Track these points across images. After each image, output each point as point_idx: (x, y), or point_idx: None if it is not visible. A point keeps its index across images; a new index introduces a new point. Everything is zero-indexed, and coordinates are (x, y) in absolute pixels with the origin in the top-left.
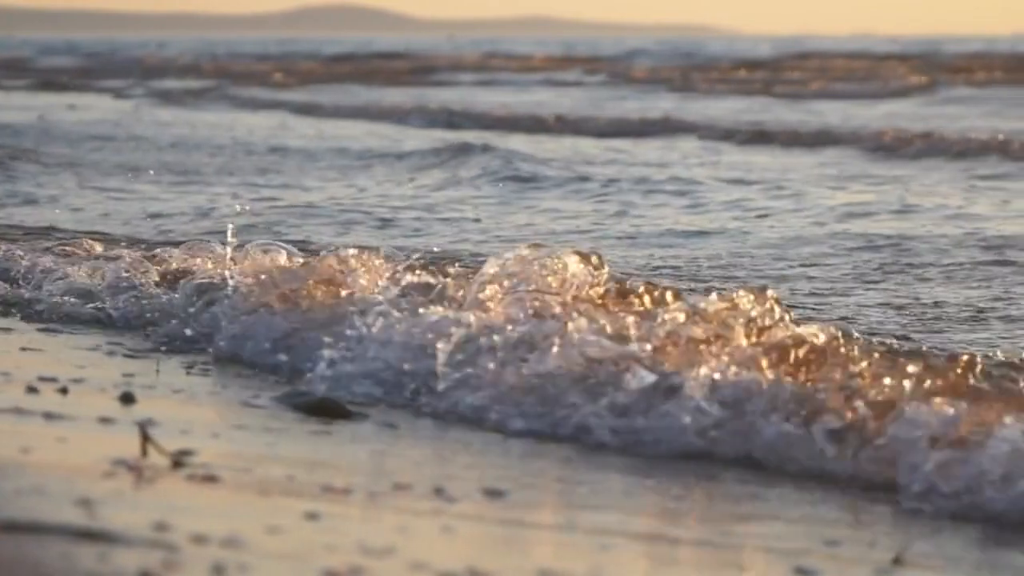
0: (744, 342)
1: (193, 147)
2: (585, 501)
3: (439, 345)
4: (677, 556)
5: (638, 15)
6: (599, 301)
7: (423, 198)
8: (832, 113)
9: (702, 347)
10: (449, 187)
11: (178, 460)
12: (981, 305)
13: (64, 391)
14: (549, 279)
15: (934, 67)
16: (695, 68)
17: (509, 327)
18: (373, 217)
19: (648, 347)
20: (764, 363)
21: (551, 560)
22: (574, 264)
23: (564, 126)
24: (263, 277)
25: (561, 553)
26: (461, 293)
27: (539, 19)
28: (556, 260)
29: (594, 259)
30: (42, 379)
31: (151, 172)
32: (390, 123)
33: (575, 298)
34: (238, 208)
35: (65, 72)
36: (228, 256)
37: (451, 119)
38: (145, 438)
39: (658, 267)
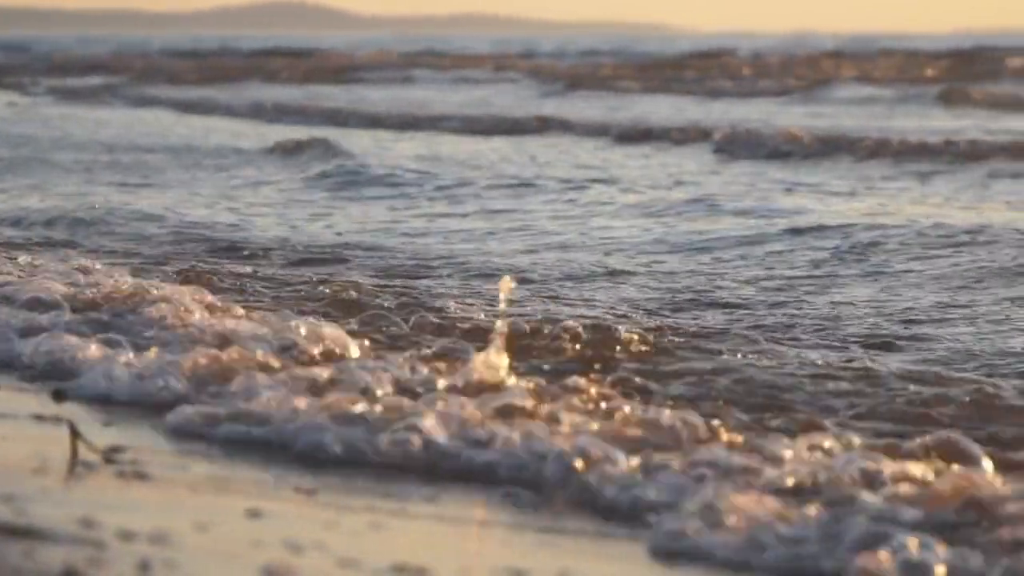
0: None
1: (50, 143)
2: None
3: None
4: None
5: (591, 13)
6: None
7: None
8: (694, 111)
9: None
10: (264, 185)
11: (108, 457)
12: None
13: None
14: None
15: (846, 64)
16: (611, 66)
17: None
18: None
19: None
20: None
21: None
22: None
23: (431, 123)
24: None
25: None
26: None
27: (487, 17)
28: None
29: None
30: None
31: None
32: (262, 121)
33: None
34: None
35: None
36: None
37: (311, 116)
38: (75, 435)
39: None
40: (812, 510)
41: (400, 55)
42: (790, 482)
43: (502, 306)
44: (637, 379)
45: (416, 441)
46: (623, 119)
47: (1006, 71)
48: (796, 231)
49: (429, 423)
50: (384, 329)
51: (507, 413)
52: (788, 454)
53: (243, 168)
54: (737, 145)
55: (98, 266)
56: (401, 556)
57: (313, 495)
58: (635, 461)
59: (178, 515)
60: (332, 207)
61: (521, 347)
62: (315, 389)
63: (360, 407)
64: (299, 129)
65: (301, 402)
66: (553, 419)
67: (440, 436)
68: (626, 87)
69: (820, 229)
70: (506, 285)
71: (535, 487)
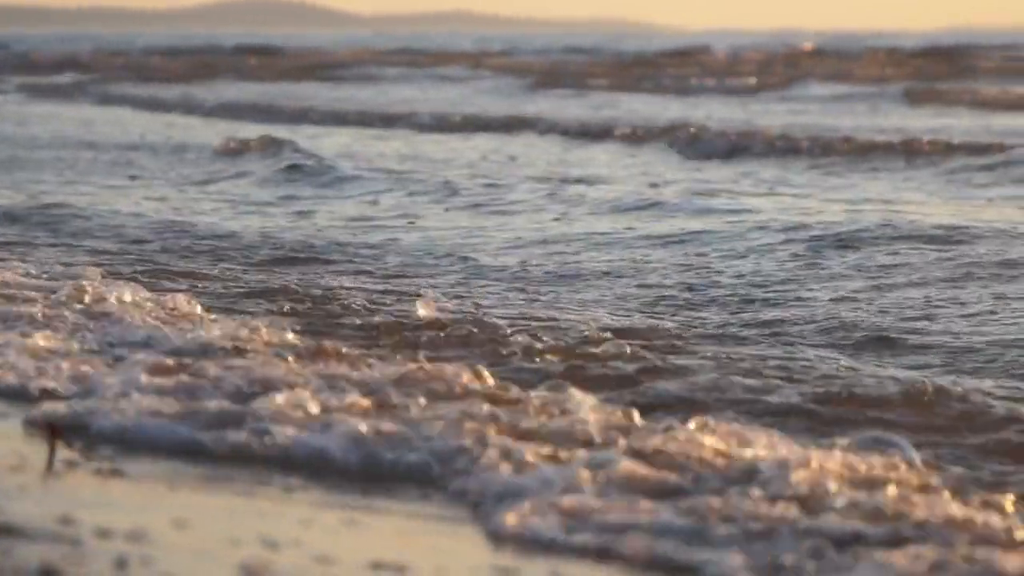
0: None
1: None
2: None
3: None
4: None
5: (577, 12)
6: None
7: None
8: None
9: None
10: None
11: (85, 454)
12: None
13: None
14: None
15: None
16: (586, 64)
17: None
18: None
19: None
20: None
21: None
22: None
23: (393, 122)
24: None
25: None
26: None
27: (473, 15)
28: None
29: None
30: None
31: None
32: (220, 118)
33: None
34: None
35: None
36: None
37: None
38: (53, 433)
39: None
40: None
41: (376, 52)
42: None
43: None
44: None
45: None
46: (586, 116)
47: (978, 69)
48: (743, 228)
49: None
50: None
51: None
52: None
53: (185, 167)
54: (694, 143)
55: None
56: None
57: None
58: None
59: (155, 512)
60: (269, 203)
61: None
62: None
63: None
64: (251, 127)
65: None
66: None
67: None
68: (597, 84)
69: (765, 227)
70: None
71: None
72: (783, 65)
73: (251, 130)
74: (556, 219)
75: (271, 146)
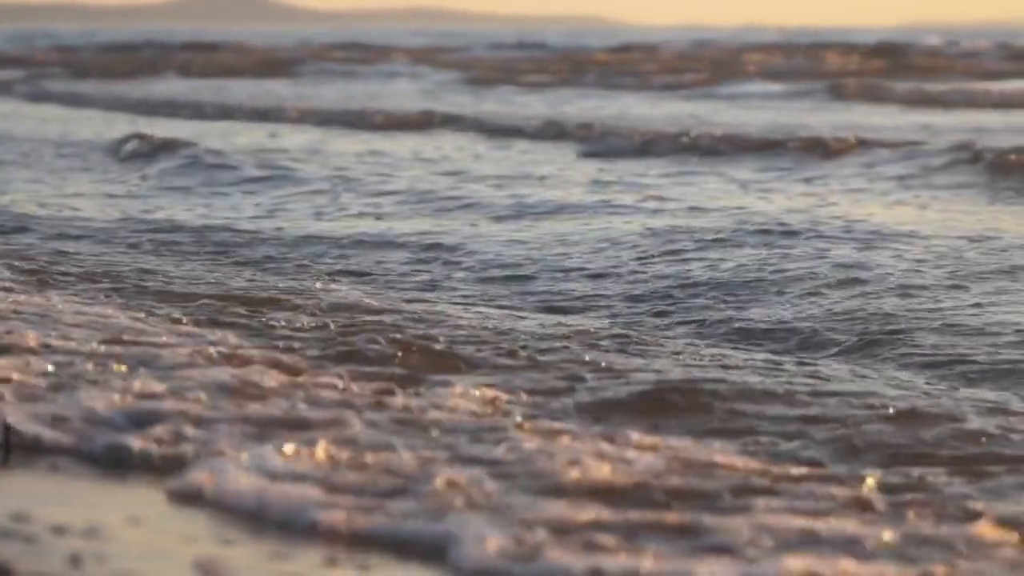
0: None
1: None
2: None
3: None
4: None
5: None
6: None
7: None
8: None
9: None
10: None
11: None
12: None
13: None
14: None
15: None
16: (527, 61)
17: None
18: None
19: None
20: None
21: None
22: None
23: (308, 118)
24: None
25: None
26: None
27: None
28: None
29: None
30: None
31: None
32: (146, 114)
33: None
34: None
35: None
36: None
37: (197, 111)
38: (7, 429)
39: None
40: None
41: (323, 48)
42: None
43: None
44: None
45: None
46: (506, 113)
47: (917, 66)
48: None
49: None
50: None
51: None
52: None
53: (66, 161)
54: (600, 142)
55: None
56: None
57: None
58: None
59: (110, 509)
60: (149, 196)
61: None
62: None
63: None
64: (164, 122)
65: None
66: None
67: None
68: (533, 81)
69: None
70: None
71: None
72: (725, 62)
73: (163, 126)
74: (430, 216)
75: (167, 143)
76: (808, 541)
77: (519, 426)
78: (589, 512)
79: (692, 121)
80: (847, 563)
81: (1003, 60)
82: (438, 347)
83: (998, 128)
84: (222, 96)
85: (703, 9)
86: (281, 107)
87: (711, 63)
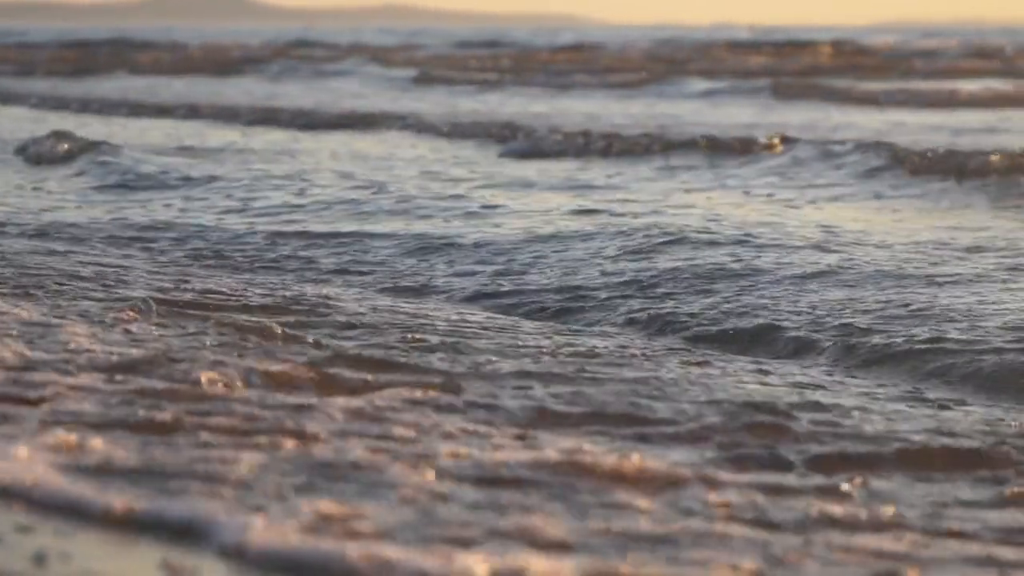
0: None
1: None
2: None
3: None
4: None
5: (517, 7)
6: None
7: None
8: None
9: None
10: None
11: None
12: None
13: None
14: None
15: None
16: (473, 59)
17: None
18: None
19: None
20: None
21: None
22: None
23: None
24: None
25: None
26: None
27: (414, 10)
28: None
29: None
30: None
31: None
32: (79, 113)
33: None
34: None
35: None
36: None
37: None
38: None
39: None
40: None
41: (284, 46)
42: None
43: None
44: None
45: None
46: (436, 112)
47: (865, 65)
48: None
49: None
50: None
51: None
52: None
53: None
54: (520, 142)
55: None
56: None
57: None
58: None
59: None
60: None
61: None
62: None
63: None
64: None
65: None
66: None
67: None
68: (476, 80)
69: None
70: None
71: None
72: (673, 61)
73: (93, 125)
74: (294, 206)
75: (84, 142)
76: None
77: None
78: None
79: (625, 120)
80: None
81: (962, 59)
82: None
83: (914, 127)
84: (160, 95)
85: (678, 7)
86: (196, 105)
87: (665, 62)
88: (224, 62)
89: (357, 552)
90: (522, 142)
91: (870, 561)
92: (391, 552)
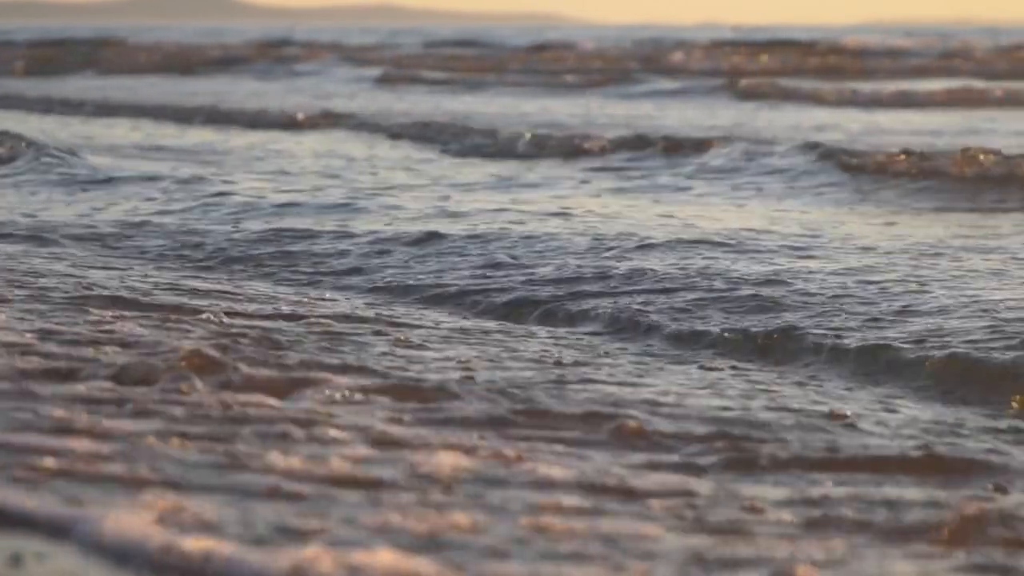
0: None
1: None
2: None
3: None
4: None
5: (509, 6)
6: None
7: None
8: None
9: None
10: None
11: None
12: None
13: None
14: None
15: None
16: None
17: None
18: None
19: None
20: None
21: None
22: None
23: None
24: None
25: None
26: None
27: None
28: None
29: None
30: None
31: None
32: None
33: None
34: None
35: None
36: None
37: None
38: None
39: None
40: None
41: (259, 46)
42: None
43: None
44: None
45: None
46: (388, 112)
47: (836, 65)
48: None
49: None
50: None
51: None
52: None
53: None
54: (463, 144)
55: None
56: None
57: None
58: None
59: None
60: None
61: None
62: None
63: None
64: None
65: None
66: None
67: None
68: (441, 79)
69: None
70: None
71: None
72: (647, 59)
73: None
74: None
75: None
76: None
77: None
78: None
79: (574, 120)
80: None
81: (934, 59)
82: None
83: (858, 129)
84: (112, 94)
85: (666, 7)
86: (173, 105)
87: (635, 60)
88: (200, 61)
89: None
90: (466, 142)
91: None
92: None
